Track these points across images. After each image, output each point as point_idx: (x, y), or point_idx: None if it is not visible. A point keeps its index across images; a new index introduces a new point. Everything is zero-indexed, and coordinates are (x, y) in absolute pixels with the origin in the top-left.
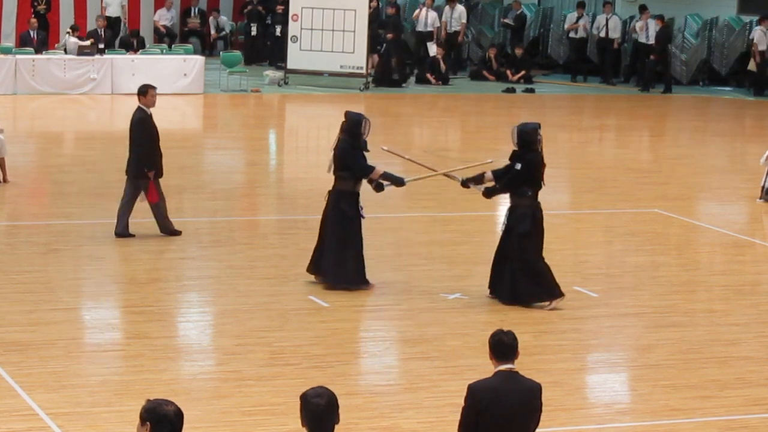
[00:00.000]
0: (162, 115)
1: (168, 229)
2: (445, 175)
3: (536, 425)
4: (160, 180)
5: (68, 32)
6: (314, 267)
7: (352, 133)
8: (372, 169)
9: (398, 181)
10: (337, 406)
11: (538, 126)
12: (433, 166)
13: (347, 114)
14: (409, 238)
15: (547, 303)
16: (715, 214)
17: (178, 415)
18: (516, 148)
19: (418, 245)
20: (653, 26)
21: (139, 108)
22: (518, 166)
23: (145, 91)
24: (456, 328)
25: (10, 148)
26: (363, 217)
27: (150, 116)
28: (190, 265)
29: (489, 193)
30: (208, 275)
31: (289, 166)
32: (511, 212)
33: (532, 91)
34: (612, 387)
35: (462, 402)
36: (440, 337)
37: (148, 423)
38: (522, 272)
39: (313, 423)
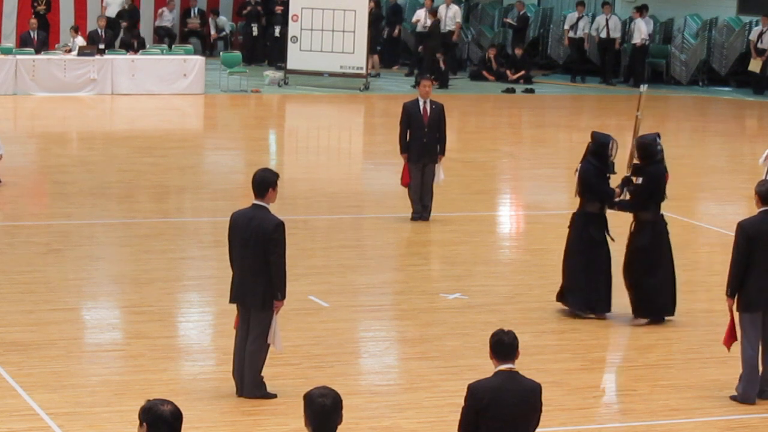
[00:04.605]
0: (162, 115)
1: (418, 215)
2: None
3: (536, 425)
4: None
5: (72, 35)
6: (562, 295)
7: (599, 155)
8: (614, 192)
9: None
10: (341, 406)
11: (657, 136)
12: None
13: (594, 135)
14: (409, 238)
15: (643, 321)
16: (715, 214)
17: (175, 415)
18: (638, 162)
19: (418, 245)
20: (639, 25)
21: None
22: (639, 180)
23: (418, 82)
24: (456, 328)
25: (11, 148)
26: (613, 240)
27: (414, 104)
28: (190, 265)
29: (618, 206)
30: (208, 275)
31: (289, 167)
32: (634, 225)
33: (532, 91)
34: (612, 387)
35: (462, 402)
36: (440, 337)
37: (144, 424)
38: (633, 287)
39: (318, 422)
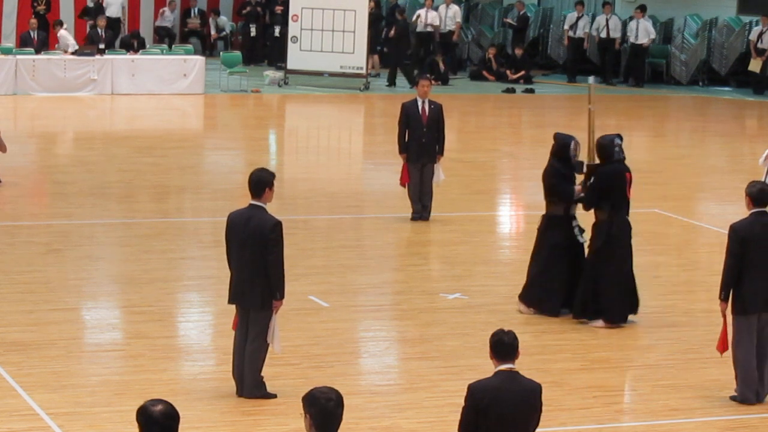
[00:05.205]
0: (162, 116)
1: (417, 215)
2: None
3: (536, 425)
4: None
5: (61, 29)
6: (523, 295)
7: (561, 156)
8: (572, 191)
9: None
10: (343, 405)
11: (618, 137)
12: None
13: (555, 136)
14: (409, 238)
15: (599, 323)
16: (714, 214)
17: (167, 415)
18: (599, 162)
19: (418, 245)
20: (645, 25)
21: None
22: (592, 180)
23: (417, 81)
24: (456, 328)
25: (11, 148)
26: (582, 242)
27: (412, 104)
28: (190, 265)
29: (578, 201)
30: (208, 275)
31: (289, 167)
32: (592, 227)
33: (532, 91)
34: (612, 387)
35: (462, 402)
36: (440, 337)
37: (138, 425)
38: (589, 288)
39: (324, 422)
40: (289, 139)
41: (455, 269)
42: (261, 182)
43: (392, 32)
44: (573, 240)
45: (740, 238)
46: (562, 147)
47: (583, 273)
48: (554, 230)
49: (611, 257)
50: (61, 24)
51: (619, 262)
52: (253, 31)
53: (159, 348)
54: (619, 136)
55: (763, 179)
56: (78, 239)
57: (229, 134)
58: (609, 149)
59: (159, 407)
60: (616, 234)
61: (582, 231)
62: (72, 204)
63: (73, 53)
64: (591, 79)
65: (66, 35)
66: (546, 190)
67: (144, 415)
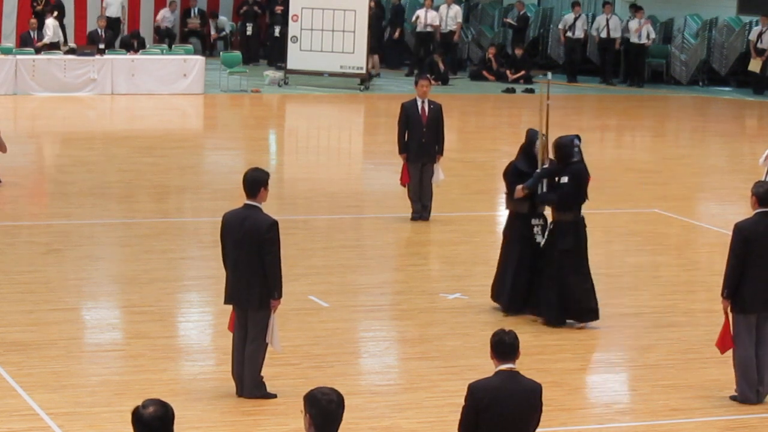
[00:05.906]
0: (162, 115)
1: (417, 214)
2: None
3: (536, 425)
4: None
5: (51, 17)
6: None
7: (526, 153)
8: (513, 190)
9: (532, 181)
10: (344, 406)
11: (576, 138)
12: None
13: (527, 132)
14: (409, 238)
15: (578, 324)
16: (715, 214)
17: (156, 417)
18: (557, 162)
19: (418, 245)
20: (646, 26)
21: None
22: (565, 179)
23: (416, 81)
24: (456, 328)
25: (11, 148)
26: (539, 241)
27: (412, 104)
28: (190, 265)
29: (542, 199)
30: (208, 275)
31: (289, 167)
32: (553, 227)
33: (531, 91)
34: (612, 387)
35: (462, 402)
36: (440, 337)
37: (132, 427)
38: (559, 290)
39: (324, 422)
40: (289, 139)
41: (455, 269)
42: (256, 182)
43: (396, 34)
44: (532, 238)
45: (744, 237)
46: (530, 143)
47: (548, 277)
48: (514, 227)
49: (581, 256)
50: (52, 11)
51: (586, 261)
52: (249, 30)
53: (159, 348)
54: (578, 137)
55: (763, 179)
56: (78, 239)
57: (229, 134)
58: (568, 149)
59: (149, 410)
60: (583, 234)
61: (545, 230)
62: (72, 204)
63: (46, 45)
64: (549, 75)
65: (49, 25)
66: (506, 188)
67: (134, 417)
